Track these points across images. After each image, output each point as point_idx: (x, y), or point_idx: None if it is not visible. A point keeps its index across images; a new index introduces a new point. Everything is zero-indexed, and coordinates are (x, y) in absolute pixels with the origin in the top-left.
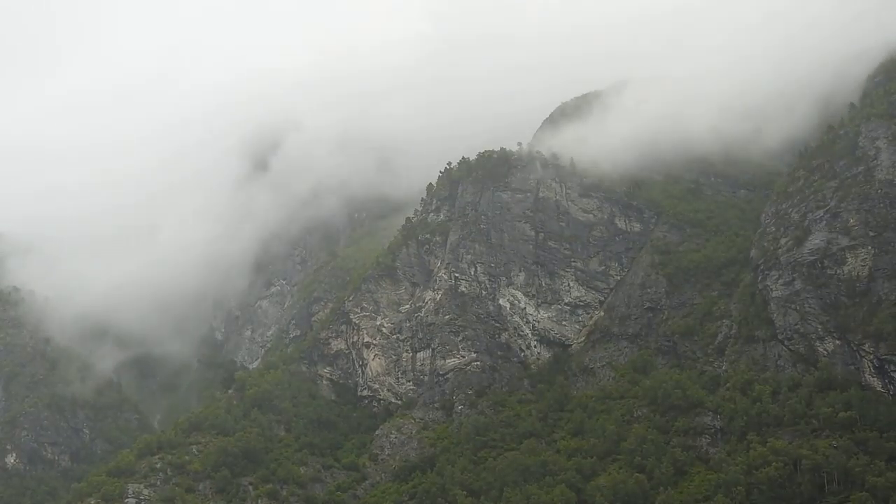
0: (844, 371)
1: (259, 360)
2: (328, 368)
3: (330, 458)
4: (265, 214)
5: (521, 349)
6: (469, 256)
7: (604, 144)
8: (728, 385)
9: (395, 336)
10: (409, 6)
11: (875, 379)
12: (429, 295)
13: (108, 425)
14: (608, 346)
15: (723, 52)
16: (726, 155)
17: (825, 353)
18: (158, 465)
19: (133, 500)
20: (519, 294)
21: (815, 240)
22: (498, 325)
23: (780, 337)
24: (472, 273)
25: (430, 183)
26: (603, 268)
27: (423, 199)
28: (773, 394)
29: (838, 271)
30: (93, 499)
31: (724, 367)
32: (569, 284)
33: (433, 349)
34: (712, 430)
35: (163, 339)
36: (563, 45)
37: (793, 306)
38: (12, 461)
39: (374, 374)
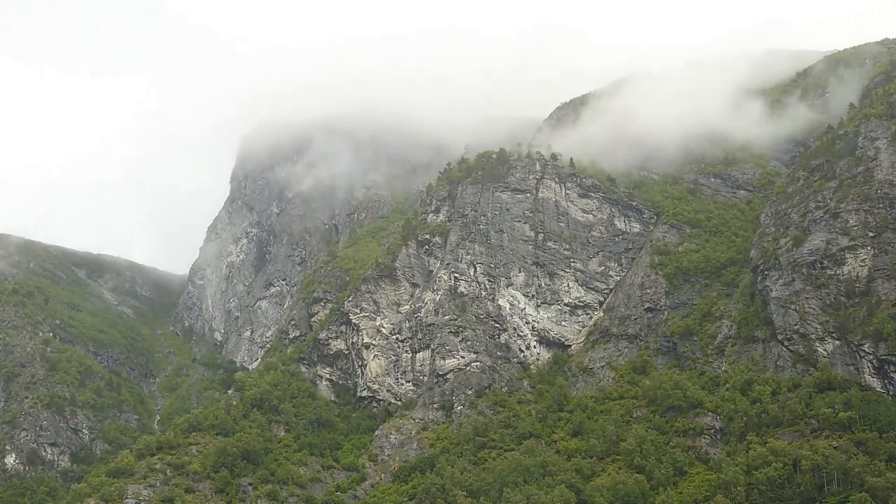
0: (844, 371)
1: (259, 360)
2: (328, 369)
3: (330, 459)
4: (266, 213)
5: (520, 349)
6: (468, 257)
7: (603, 144)
8: (728, 385)
9: (394, 337)
10: (408, 4)
11: (875, 379)
12: (428, 295)
13: (107, 426)
14: (608, 346)
15: (722, 50)
16: (726, 155)
17: (825, 353)
18: (158, 466)
19: (132, 501)
20: (518, 294)
21: (815, 240)
22: (497, 325)
23: (779, 337)
24: (472, 273)
25: (430, 183)
26: (602, 268)
27: (422, 200)
28: (772, 394)
29: (838, 271)
30: (92, 499)
31: (723, 368)
32: (568, 285)
33: (433, 350)
34: (712, 431)
35: None
36: (562, 44)
37: (793, 306)
38: (12, 462)
39: (374, 375)
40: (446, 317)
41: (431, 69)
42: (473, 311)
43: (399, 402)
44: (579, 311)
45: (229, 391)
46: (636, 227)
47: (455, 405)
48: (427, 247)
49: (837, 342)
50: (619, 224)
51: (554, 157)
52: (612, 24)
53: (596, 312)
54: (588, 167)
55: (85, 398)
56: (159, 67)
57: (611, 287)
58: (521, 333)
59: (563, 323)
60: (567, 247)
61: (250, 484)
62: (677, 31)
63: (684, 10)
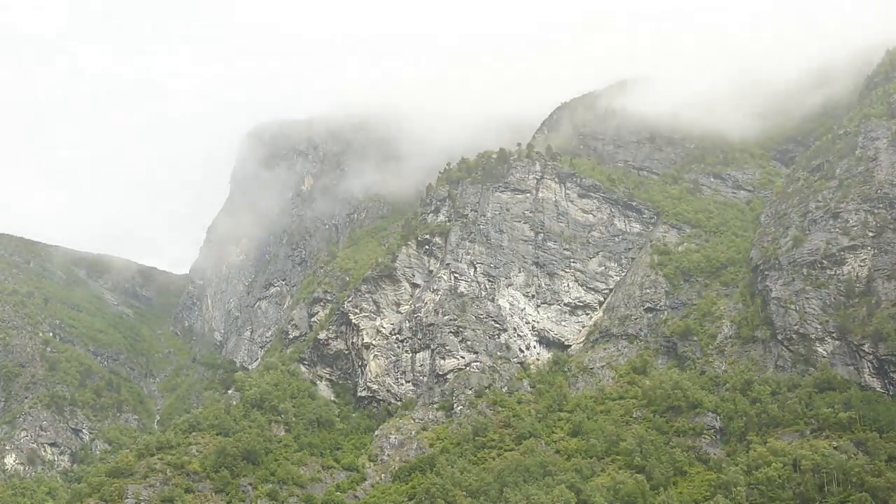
0: (844, 371)
1: (258, 360)
2: (328, 369)
3: (329, 459)
4: (266, 214)
5: (520, 349)
6: (468, 257)
7: (603, 145)
8: (728, 385)
9: (394, 337)
10: (409, 5)
11: (875, 379)
12: (428, 295)
13: (107, 426)
14: (607, 346)
15: (722, 51)
16: (726, 155)
17: (825, 353)
18: (158, 466)
19: (132, 501)
20: (518, 294)
21: (815, 240)
22: (497, 325)
23: (779, 337)
24: (472, 273)
25: (430, 183)
26: (602, 268)
27: (422, 200)
28: (772, 394)
29: (838, 271)
30: (92, 499)
31: (723, 368)
32: (568, 285)
33: (432, 350)
34: (712, 431)
35: None
36: (562, 44)
37: (793, 306)
38: (12, 462)
39: (374, 375)
40: (446, 317)
41: (431, 69)
42: (473, 311)
43: (399, 402)
44: (579, 311)
45: (229, 391)
46: (636, 227)
47: (455, 405)
48: (427, 247)
49: (837, 342)
50: (619, 224)
51: (554, 157)
52: (612, 24)
53: (596, 312)
54: (588, 167)
55: (85, 398)
56: (159, 68)
57: (611, 287)
58: (520, 333)
59: (563, 323)
60: (567, 247)
61: (250, 484)
62: (677, 31)
63: (684, 9)
